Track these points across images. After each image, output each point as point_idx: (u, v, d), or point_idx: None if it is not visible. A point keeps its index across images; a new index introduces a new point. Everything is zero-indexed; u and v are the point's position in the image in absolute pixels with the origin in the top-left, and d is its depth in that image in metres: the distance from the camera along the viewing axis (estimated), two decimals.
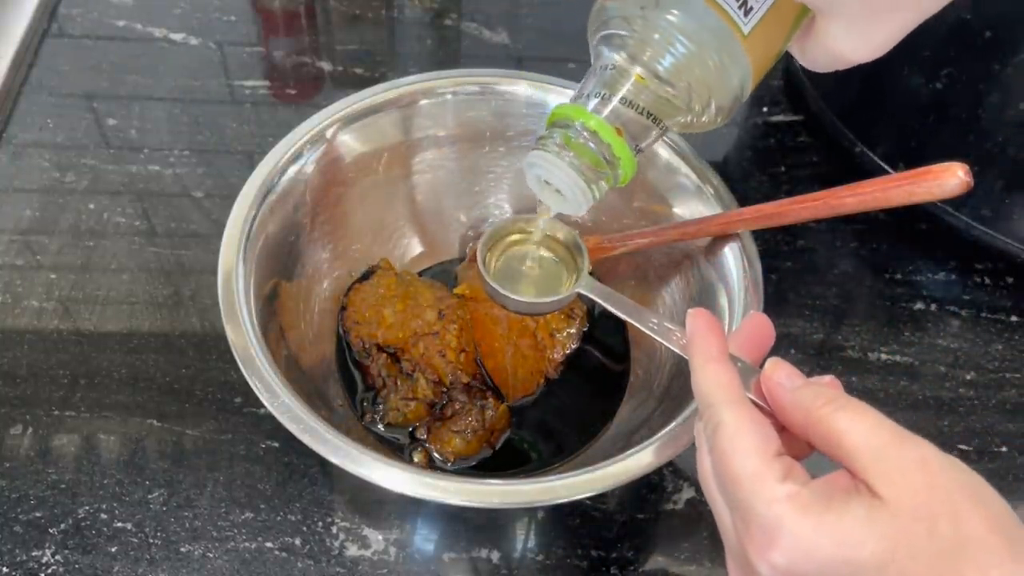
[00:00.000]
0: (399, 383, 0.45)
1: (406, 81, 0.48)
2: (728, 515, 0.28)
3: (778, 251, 0.56)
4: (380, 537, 0.42)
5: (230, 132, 0.60)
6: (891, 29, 0.29)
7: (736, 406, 0.27)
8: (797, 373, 0.29)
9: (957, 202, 0.52)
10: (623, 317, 0.37)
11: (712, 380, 0.28)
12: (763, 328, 0.32)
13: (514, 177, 0.52)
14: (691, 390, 0.30)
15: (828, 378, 0.29)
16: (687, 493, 0.45)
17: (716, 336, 0.30)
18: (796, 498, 0.25)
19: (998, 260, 0.55)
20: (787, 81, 0.65)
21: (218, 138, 0.60)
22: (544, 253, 0.43)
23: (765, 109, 0.64)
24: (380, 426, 0.44)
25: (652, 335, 0.35)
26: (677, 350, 0.34)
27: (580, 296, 0.40)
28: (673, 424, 0.36)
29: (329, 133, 0.46)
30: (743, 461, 0.26)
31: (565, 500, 0.34)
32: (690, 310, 0.31)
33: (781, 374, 0.28)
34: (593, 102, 0.33)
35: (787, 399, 0.28)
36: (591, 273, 0.41)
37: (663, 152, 0.47)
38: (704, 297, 0.44)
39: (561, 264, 0.43)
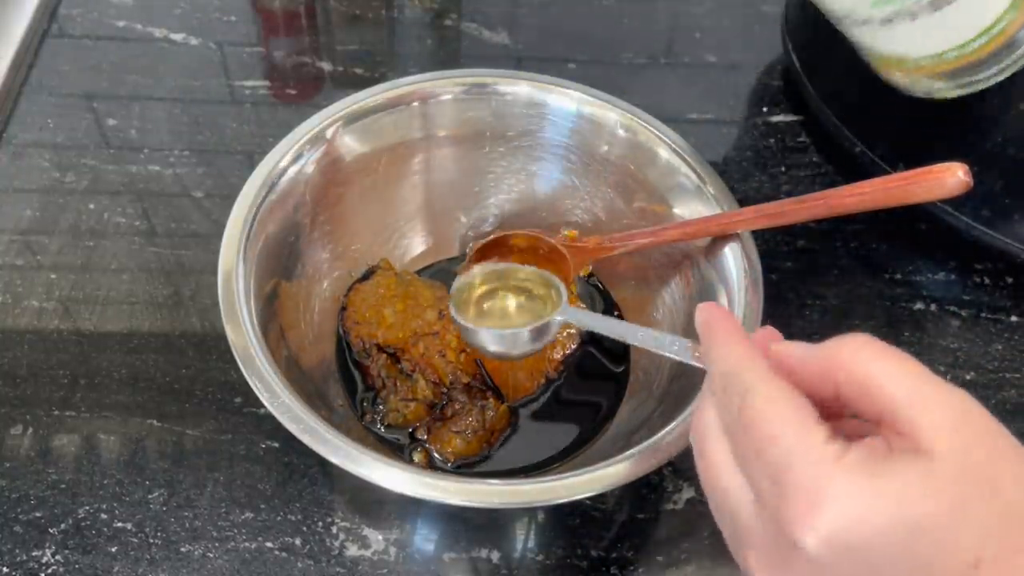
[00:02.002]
0: (399, 384, 0.45)
1: (406, 81, 0.48)
2: (749, 501, 0.25)
3: (778, 251, 0.56)
4: (380, 537, 0.42)
5: (230, 132, 0.60)
6: None
7: (770, 376, 0.26)
8: (802, 344, 0.27)
9: (957, 202, 0.52)
10: (612, 336, 0.37)
11: (740, 353, 0.27)
12: (773, 340, 0.31)
13: (514, 177, 0.52)
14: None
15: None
16: (687, 493, 0.45)
17: (735, 321, 0.29)
18: (844, 458, 0.23)
19: (998, 260, 0.55)
20: (787, 81, 0.65)
21: (218, 138, 0.60)
22: (519, 298, 0.43)
23: (765, 109, 0.64)
24: (380, 427, 0.44)
25: (645, 347, 0.34)
26: (672, 356, 0.33)
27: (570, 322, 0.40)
28: (673, 424, 0.36)
29: (329, 133, 0.46)
30: (782, 423, 0.24)
31: (565, 500, 0.34)
32: (700, 304, 0.30)
33: (788, 346, 0.27)
34: None
35: (797, 355, 0.26)
36: (590, 276, 0.40)
37: (663, 152, 0.47)
38: (704, 297, 0.44)
39: (540, 301, 0.42)
